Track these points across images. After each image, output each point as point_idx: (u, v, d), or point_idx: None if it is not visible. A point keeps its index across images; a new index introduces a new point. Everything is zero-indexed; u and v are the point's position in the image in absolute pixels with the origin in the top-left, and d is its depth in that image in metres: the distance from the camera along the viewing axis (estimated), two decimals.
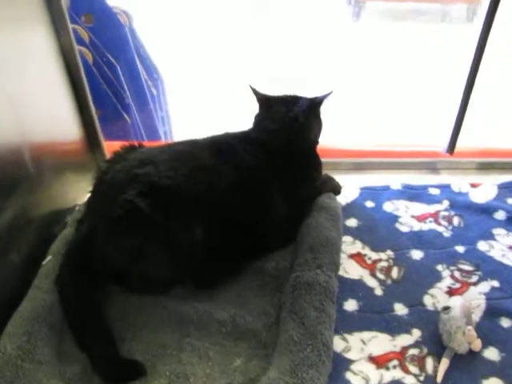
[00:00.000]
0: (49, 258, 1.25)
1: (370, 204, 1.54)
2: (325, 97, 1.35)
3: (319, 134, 1.43)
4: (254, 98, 1.41)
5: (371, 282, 1.29)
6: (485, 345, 1.13)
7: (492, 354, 1.12)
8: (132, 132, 1.84)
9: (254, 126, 1.39)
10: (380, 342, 1.15)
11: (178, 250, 1.13)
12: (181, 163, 1.19)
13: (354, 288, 1.27)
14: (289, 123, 1.32)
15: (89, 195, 1.28)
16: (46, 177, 1.36)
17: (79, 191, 1.50)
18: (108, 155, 1.61)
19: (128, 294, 1.21)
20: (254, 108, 1.41)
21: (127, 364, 1.07)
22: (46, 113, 1.39)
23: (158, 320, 1.16)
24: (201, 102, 2.14)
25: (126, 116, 1.78)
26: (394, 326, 1.18)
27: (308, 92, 1.38)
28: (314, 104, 1.36)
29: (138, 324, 1.16)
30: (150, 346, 1.11)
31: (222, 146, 1.29)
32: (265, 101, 1.40)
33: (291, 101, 1.37)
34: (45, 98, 1.40)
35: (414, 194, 1.59)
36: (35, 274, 1.21)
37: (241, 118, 1.44)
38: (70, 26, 1.41)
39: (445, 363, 1.09)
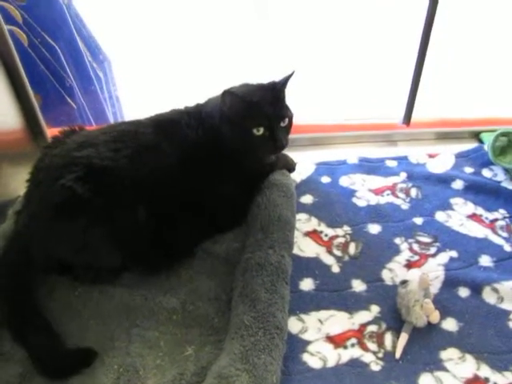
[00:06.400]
0: None
1: (325, 179, 1.50)
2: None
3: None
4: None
5: (328, 260, 1.26)
6: (443, 316, 1.12)
7: (450, 324, 1.12)
8: (78, 117, 1.75)
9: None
10: (338, 321, 1.12)
11: (121, 234, 1.08)
12: (123, 144, 1.13)
13: (310, 266, 1.24)
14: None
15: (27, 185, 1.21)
16: None
17: (22, 182, 1.42)
18: None
19: (74, 285, 1.16)
20: (210, 89, 1.31)
21: (71, 355, 1.03)
22: None
23: (105, 311, 1.12)
24: (154, 85, 2.04)
25: (70, 101, 1.69)
26: (351, 304, 1.15)
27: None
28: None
29: (84, 316, 1.12)
30: (98, 338, 1.07)
31: (165, 124, 1.22)
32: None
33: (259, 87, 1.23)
34: None
35: (370, 167, 1.55)
36: None
37: (196, 98, 1.35)
38: None
39: (403, 338, 1.08)
